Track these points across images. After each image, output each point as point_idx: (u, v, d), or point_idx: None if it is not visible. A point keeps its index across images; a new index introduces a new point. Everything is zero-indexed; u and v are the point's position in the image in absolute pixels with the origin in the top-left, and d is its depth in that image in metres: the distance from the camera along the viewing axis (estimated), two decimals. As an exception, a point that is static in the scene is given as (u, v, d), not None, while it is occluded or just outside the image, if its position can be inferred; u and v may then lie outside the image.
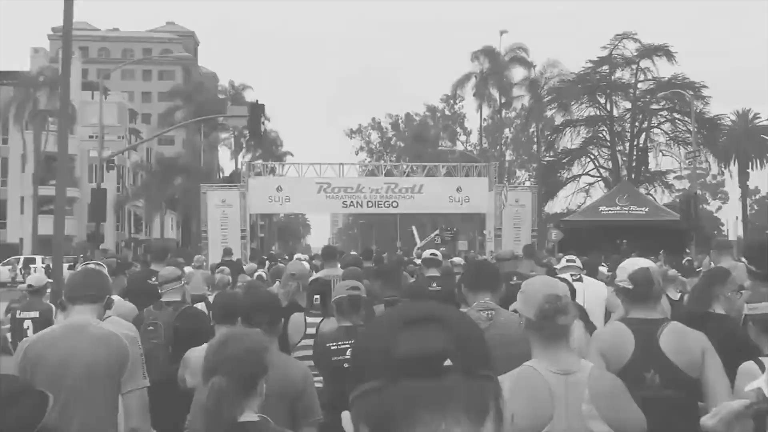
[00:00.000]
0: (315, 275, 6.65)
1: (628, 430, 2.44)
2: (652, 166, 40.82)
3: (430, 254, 7.31)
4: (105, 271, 4.79)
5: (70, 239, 47.23)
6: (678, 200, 27.94)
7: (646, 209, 26.22)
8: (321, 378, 4.09)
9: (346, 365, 3.87)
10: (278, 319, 3.64)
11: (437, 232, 49.08)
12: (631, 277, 3.14)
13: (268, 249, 51.06)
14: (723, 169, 51.82)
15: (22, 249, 45.44)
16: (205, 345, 3.93)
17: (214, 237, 24.96)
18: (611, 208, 26.49)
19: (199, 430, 2.36)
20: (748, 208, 58.62)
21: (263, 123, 25.86)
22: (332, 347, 4.04)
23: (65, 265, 21.41)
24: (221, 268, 7.47)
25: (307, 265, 7.59)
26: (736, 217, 58.00)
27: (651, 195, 38.38)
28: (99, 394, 3.16)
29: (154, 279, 6.86)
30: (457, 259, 11.50)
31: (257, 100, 24.76)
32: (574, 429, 2.37)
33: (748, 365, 2.92)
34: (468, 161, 34.56)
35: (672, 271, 6.99)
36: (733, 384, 2.93)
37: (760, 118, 53.21)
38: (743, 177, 53.90)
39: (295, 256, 15.11)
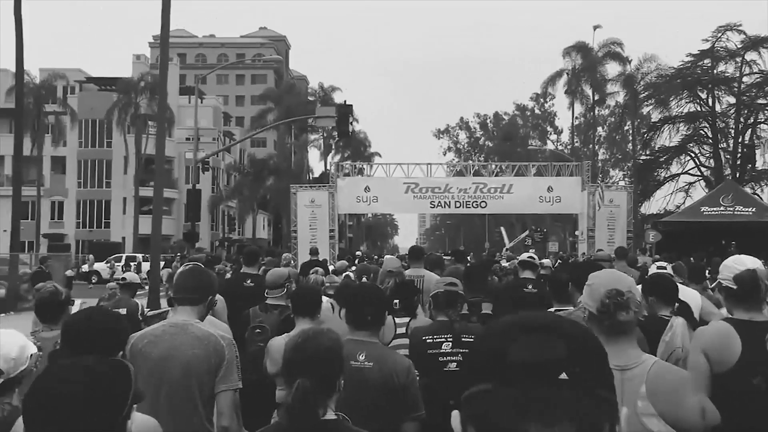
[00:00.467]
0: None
1: (689, 428, 2.38)
2: (759, 164, 38.48)
3: (528, 257, 7.25)
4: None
5: (168, 238, 49.39)
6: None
7: (753, 209, 24.58)
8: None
9: (441, 359, 4.01)
10: (383, 314, 3.65)
11: (527, 233, 48.25)
12: (737, 278, 3.06)
13: (356, 249, 51.51)
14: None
15: (125, 248, 47.74)
16: (285, 335, 4.15)
17: (303, 236, 25.35)
18: (714, 209, 25.02)
19: (282, 427, 2.38)
20: None
21: (351, 123, 26.06)
22: (428, 340, 4.08)
23: (161, 263, 22.35)
24: (315, 268, 7.54)
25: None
26: None
27: (757, 194, 36.15)
28: (195, 392, 3.27)
29: (249, 281, 7.05)
30: (546, 261, 11.09)
31: (345, 101, 24.91)
32: (629, 426, 2.25)
33: None
34: (559, 160, 33.64)
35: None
36: None
37: None
38: None
39: (386, 257, 15.22)
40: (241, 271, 7.90)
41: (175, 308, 3.62)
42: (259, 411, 4.17)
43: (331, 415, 2.32)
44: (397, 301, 4.75)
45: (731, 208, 24.72)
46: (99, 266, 35.49)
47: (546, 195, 26.71)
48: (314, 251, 16.24)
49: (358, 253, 25.85)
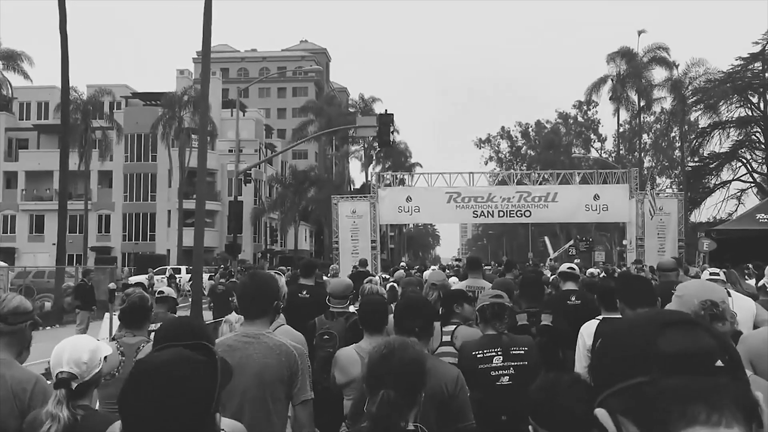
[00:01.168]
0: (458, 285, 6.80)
1: None
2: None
3: (568, 268, 7.15)
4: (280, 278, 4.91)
5: (211, 250, 49.86)
6: None
7: (812, 216, 23.52)
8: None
9: (492, 374, 3.96)
10: (431, 324, 3.66)
11: (572, 242, 47.36)
12: None
13: (398, 260, 51.29)
14: None
15: (169, 260, 48.31)
16: (353, 345, 4.22)
17: (345, 247, 25.23)
18: (771, 216, 24.00)
19: None
20: None
21: (392, 133, 25.86)
22: (478, 355, 4.04)
23: (206, 276, 22.41)
24: (369, 278, 7.54)
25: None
26: None
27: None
28: (269, 401, 3.28)
29: (304, 293, 7.25)
30: (594, 271, 10.77)
31: (386, 110, 24.74)
32: None
33: None
34: (603, 168, 32.87)
35: None
36: None
37: None
38: None
39: (431, 269, 15.28)
40: (298, 282, 8.05)
41: (244, 319, 3.63)
42: (328, 420, 4.19)
43: (411, 426, 2.33)
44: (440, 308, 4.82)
45: (789, 215, 23.68)
46: (141, 278, 35.87)
47: (592, 203, 26.13)
48: (363, 263, 16.16)
49: (402, 264, 25.58)
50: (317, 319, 5.63)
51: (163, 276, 34.37)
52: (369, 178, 51.87)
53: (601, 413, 0.91)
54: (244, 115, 54.99)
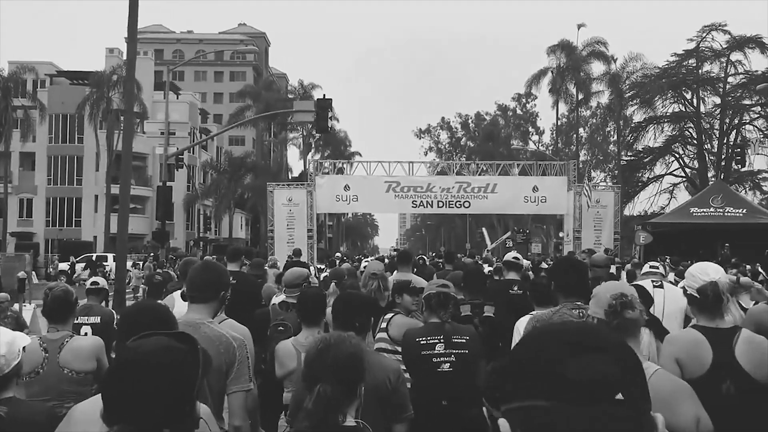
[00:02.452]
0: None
1: None
2: (750, 165, 38.06)
3: (513, 258, 7.19)
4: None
5: (141, 238, 47.98)
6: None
7: (744, 211, 24.01)
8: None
9: (434, 360, 4.06)
10: (369, 319, 3.73)
11: (509, 234, 47.60)
12: (700, 290, 3.20)
13: (336, 249, 50.67)
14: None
15: (96, 247, 46.25)
16: (291, 338, 4.31)
17: (280, 236, 24.49)
18: (704, 210, 24.39)
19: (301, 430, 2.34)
20: None
21: (331, 119, 25.04)
22: (421, 341, 4.13)
23: (129, 262, 21.21)
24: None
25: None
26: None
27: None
28: (206, 392, 3.15)
29: (231, 279, 6.57)
30: (525, 262, 10.52)
31: (324, 95, 23.92)
32: None
33: None
34: (541, 160, 32.96)
35: (744, 279, 6.86)
36: None
37: None
38: None
39: (370, 260, 14.89)
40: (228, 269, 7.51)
41: (188, 305, 3.56)
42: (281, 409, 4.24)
43: (351, 422, 2.32)
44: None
45: (721, 209, 24.14)
46: (65, 267, 34.07)
47: (531, 195, 26.10)
48: (297, 252, 15.76)
49: (337, 254, 24.95)
50: (270, 308, 5.72)
51: (86, 264, 32.57)
52: (308, 167, 50.87)
53: (503, 424, 0.91)
54: (177, 98, 53.02)
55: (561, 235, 28.48)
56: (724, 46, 41.02)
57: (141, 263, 25.73)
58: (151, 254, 27.28)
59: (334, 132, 58.11)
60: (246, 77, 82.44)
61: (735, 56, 41.09)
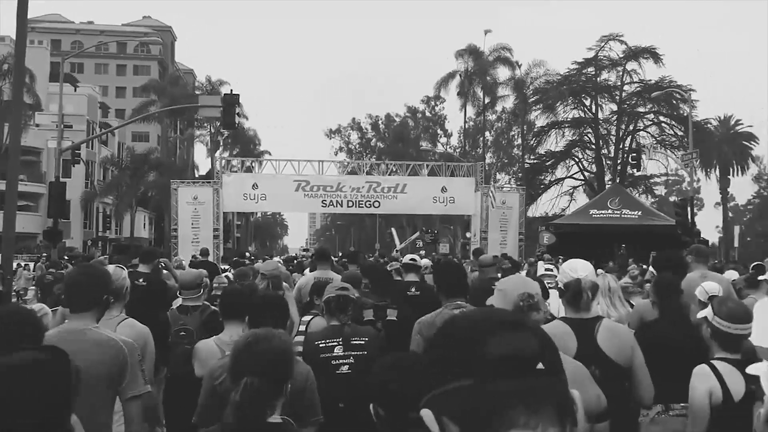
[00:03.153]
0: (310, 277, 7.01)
1: (591, 411, 2.69)
2: (644, 170, 40.08)
3: (410, 259, 7.31)
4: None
5: (33, 237, 45.38)
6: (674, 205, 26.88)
7: (639, 213, 25.24)
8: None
9: (333, 362, 4.10)
10: (285, 319, 3.74)
11: (417, 234, 48.06)
12: (566, 284, 3.44)
13: (245, 249, 49.73)
14: (708, 175, 50.91)
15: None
16: (213, 337, 4.27)
17: (184, 235, 23.79)
18: (603, 212, 25.48)
19: (228, 426, 2.30)
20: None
21: (239, 116, 24.48)
22: (320, 345, 4.15)
23: (16, 263, 19.94)
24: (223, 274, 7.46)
25: (282, 267, 7.97)
26: (716, 226, 57.75)
27: (635, 199, 37.61)
28: (96, 399, 3.14)
29: (141, 280, 6.96)
30: (424, 261, 10.47)
31: (231, 90, 23.36)
32: None
33: (701, 367, 3.36)
34: (452, 161, 33.48)
35: (624, 280, 7.18)
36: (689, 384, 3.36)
37: (741, 124, 52.97)
38: (724, 183, 53.41)
39: (275, 259, 14.91)
40: (137, 269, 7.63)
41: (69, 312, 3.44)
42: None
43: (276, 418, 2.32)
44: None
45: (618, 212, 25.24)
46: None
47: (440, 195, 26.42)
48: (204, 252, 15.58)
49: (246, 254, 24.46)
50: (169, 314, 5.56)
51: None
52: (215, 164, 49.57)
53: (425, 414, 0.91)
54: (75, 90, 50.51)
55: (468, 235, 28.98)
56: (621, 55, 43.04)
57: (32, 264, 24.40)
58: (44, 254, 25.86)
59: (243, 130, 56.96)
60: (151, 71, 79.60)
61: (631, 65, 43.21)
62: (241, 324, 4.14)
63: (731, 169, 52.50)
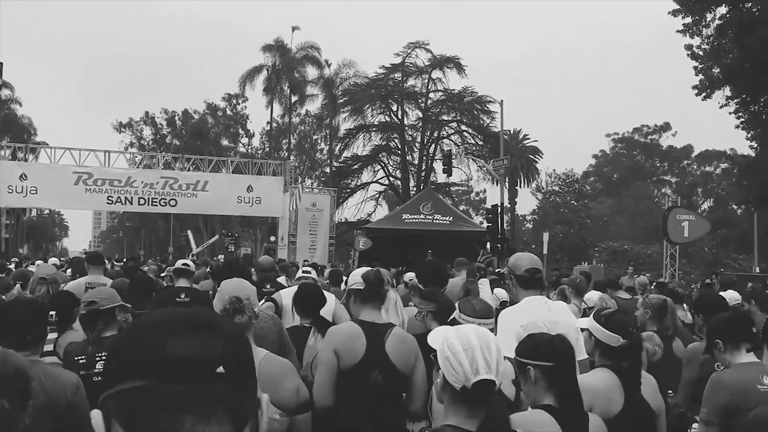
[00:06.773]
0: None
1: (286, 406, 2.93)
2: (455, 176, 40.89)
3: (182, 264, 7.10)
4: None
5: None
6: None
7: (451, 219, 25.05)
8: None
9: (95, 379, 3.84)
10: (45, 330, 3.52)
11: (216, 237, 45.42)
12: (364, 276, 3.68)
13: (15, 252, 43.77)
14: (496, 185, 53.60)
15: None
16: None
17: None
18: (415, 216, 24.96)
19: None
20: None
21: (9, 102, 20.53)
22: (80, 361, 3.92)
23: None
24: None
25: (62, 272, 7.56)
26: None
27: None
28: None
29: None
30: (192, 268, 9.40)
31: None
32: None
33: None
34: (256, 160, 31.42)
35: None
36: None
37: (528, 138, 56.62)
38: (512, 194, 56.76)
39: (50, 261, 13.17)
40: None
41: None
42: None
43: None
44: (53, 312, 4.30)
45: (431, 217, 24.89)
46: None
47: (246, 195, 24.37)
48: None
49: (13, 259, 20.58)
50: None
51: None
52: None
53: (95, 415, 0.86)
54: None
55: (272, 239, 27.06)
56: (427, 63, 43.74)
57: None
58: None
59: (16, 117, 50.24)
60: None
61: (435, 74, 44.09)
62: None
63: (518, 181, 55.87)
